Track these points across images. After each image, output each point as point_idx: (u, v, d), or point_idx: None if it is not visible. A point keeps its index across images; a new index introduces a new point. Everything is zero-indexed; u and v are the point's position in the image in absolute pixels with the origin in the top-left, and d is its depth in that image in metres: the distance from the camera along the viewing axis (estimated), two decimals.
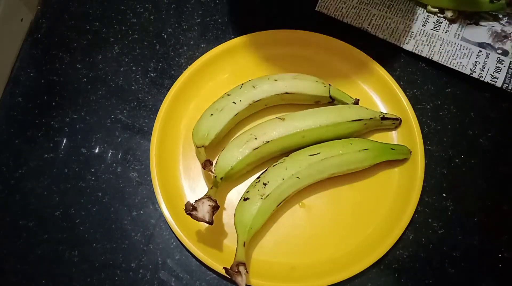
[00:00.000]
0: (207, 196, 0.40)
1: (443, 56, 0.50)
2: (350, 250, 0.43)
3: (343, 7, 0.53)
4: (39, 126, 0.49)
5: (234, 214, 0.42)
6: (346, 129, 0.45)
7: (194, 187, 0.46)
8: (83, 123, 0.49)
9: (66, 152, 0.48)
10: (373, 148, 0.44)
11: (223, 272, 0.40)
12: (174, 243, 0.44)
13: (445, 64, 0.50)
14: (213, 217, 0.40)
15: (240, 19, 0.54)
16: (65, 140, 0.49)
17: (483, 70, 0.49)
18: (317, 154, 0.43)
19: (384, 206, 0.44)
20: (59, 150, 0.48)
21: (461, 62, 0.50)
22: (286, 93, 0.46)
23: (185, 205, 0.40)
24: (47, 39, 0.54)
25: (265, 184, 0.42)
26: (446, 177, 0.46)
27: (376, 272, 0.42)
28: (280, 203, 0.43)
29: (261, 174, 0.43)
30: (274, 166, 0.43)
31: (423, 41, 0.51)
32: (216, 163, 0.44)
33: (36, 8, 0.56)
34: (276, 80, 0.46)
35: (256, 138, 0.43)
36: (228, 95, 0.46)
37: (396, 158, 0.45)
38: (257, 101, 0.46)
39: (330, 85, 0.47)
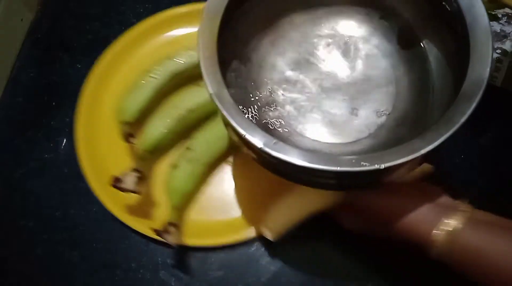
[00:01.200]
0: (133, 169, 0.42)
1: None
2: None
3: None
4: (39, 126, 0.49)
5: (165, 182, 0.44)
6: None
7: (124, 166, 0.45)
8: None
9: (66, 152, 0.48)
10: None
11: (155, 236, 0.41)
12: None
13: None
14: (143, 188, 0.41)
15: None
16: (65, 140, 0.48)
17: None
18: None
19: None
20: (59, 150, 0.48)
21: None
22: None
23: (112, 178, 0.41)
24: (47, 39, 0.54)
25: (192, 150, 0.44)
26: (446, 178, 0.46)
27: (376, 271, 0.42)
28: (209, 165, 0.44)
29: (188, 142, 0.45)
30: (198, 131, 0.45)
31: None
32: (141, 136, 0.45)
33: (36, 8, 0.56)
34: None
35: (178, 107, 0.45)
36: (148, 71, 0.46)
37: None
38: (177, 73, 0.46)
39: None
